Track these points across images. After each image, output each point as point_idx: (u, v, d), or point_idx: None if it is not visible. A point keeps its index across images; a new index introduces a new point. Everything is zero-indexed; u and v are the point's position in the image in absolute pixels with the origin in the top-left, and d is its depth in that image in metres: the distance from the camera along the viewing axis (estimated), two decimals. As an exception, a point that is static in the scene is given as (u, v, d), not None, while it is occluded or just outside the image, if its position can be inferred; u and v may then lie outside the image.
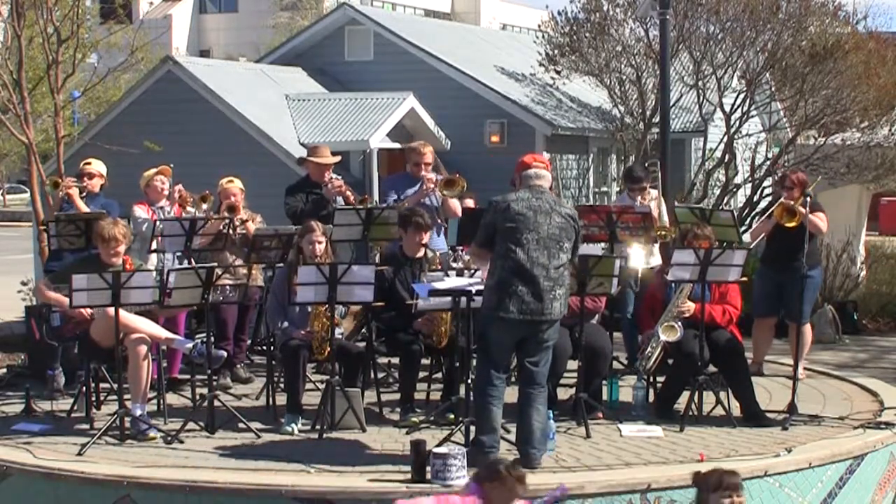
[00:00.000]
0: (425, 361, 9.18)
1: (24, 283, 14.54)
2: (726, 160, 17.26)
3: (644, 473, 7.45)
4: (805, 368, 10.20)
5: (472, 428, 7.74)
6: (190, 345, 8.68)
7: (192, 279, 8.35)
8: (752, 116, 18.27)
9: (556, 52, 19.03)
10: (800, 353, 9.54)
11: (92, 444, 7.94)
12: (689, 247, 8.93)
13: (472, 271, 8.72)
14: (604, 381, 9.12)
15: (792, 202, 9.67)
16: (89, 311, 8.50)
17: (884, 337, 15.26)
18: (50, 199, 10.34)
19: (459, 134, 18.35)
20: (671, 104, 14.03)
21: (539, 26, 20.44)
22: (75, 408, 9.01)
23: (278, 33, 46.75)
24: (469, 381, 8.18)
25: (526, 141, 18.28)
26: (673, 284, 8.96)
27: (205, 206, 10.20)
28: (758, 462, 7.72)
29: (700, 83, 17.53)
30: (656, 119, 15.04)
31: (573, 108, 20.07)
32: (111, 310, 8.12)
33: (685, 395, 8.83)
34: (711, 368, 8.85)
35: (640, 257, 9.84)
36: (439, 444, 7.57)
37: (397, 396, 8.98)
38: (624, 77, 18.19)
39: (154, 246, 9.61)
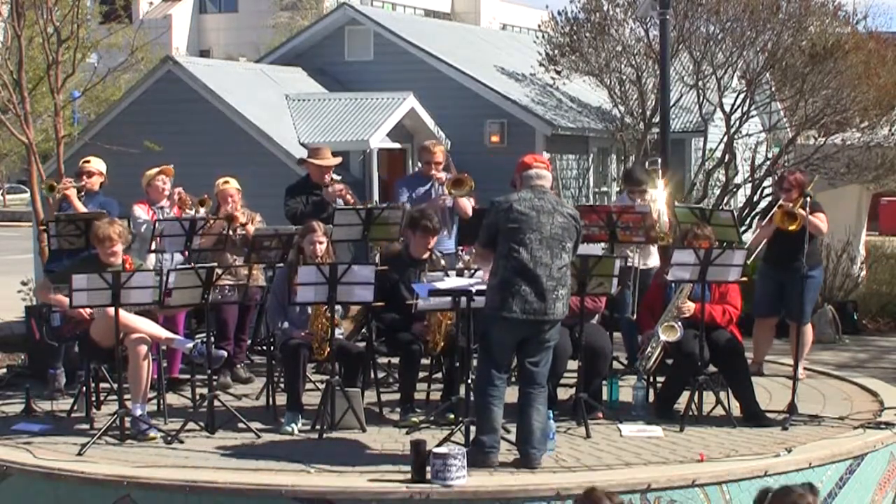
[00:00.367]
0: (425, 361, 9.18)
1: (24, 283, 14.54)
2: (726, 160, 17.26)
3: (644, 473, 7.45)
4: (805, 368, 10.20)
5: (473, 428, 7.74)
6: (190, 345, 8.68)
7: (192, 279, 8.36)
8: (752, 116, 18.27)
9: (556, 52, 19.03)
10: (800, 353, 9.54)
11: (92, 444, 7.94)
12: (689, 247, 8.93)
13: (472, 271, 8.73)
14: (604, 381, 9.12)
15: (790, 205, 9.66)
16: (89, 311, 8.51)
17: (884, 337, 15.26)
18: (50, 200, 10.32)
19: (459, 134, 18.36)
20: (671, 104, 14.04)
21: (539, 26, 20.44)
22: (75, 408, 9.01)
23: (278, 33, 46.75)
24: (469, 381, 8.18)
25: (526, 141, 18.28)
26: (673, 284, 8.96)
27: (203, 210, 10.18)
28: (758, 462, 7.71)
29: (700, 83, 17.54)
30: (656, 119, 15.05)
31: (573, 108, 20.07)
32: (111, 310, 8.13)
33: (685, 395, 8.83)
34: (711, 368, 8.85)
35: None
36: (439, 444, 7.57)
37: (397, 396, 8.98)
38: (624, 77, 18.20)
39: (153, 246, 9.62)
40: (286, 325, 8.85)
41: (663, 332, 8.78)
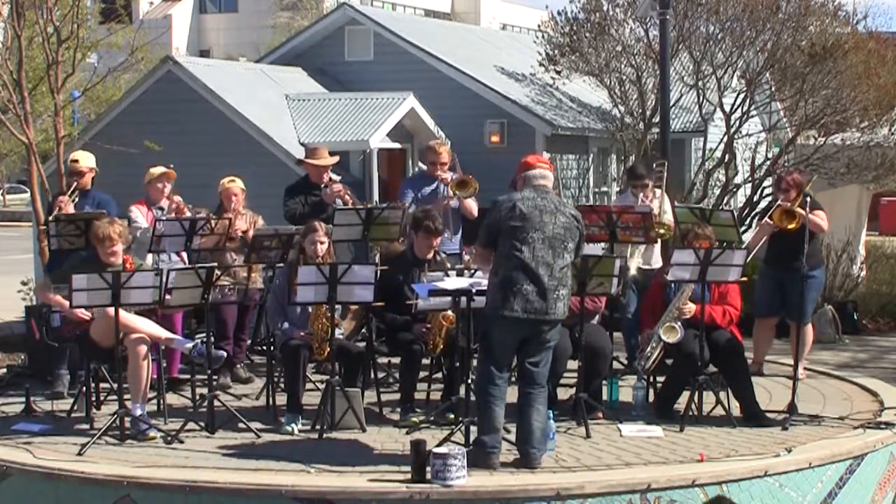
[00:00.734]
0: (425, 361, 9.18)
1: (24, 283, 14.54)
2: (726, 160, 17.26)
3: (644, 473, 7.45)
4: (805, 368, 10.20)
5: (473, 428, 7.74)
6: (190, 345, 8.68)
7: (191, 279, 8.36)
8: (752, 116, 18.26)
9: (556, 52, 19.03)
10: (800, 353, 9.54)
11: (92, 444, 7.94)
12: (689, 247, 8.93)
13: (472, 271, 8.73)
14: (604, 381, 9.12)
15: (789, 204, 9.67)
16: (88, 313, 8.50)
17: (884, 337, 15.26)
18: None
19: (459, 134, 18.34)
20: (671, 104, 14.04)
21: (539, 26, 20.43)
22: (75, 408, 9.02)
23: (278, 33, 46.75)
24: (469, 381, 8.18)
25: (526, 141, 18.27)
26: (673, 284, 8.96)
27: (203, 211, 10.17)
28: (758, 462, 7.72)
29: (700, 83, 17.53)
30: (656, 119, 15.05)
31: (573, 108, 20.07)
32: (111, 310, 8.12)
33: (685, 395, 8.83)
34: (711, 368, 8.85)
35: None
36: (439, 444, 7.57)
37: (397, 396, 8.98)
38: (624, 77, 18.19)
39: (153, 247, 9.62)
40: (286, 325, 8.85)
41: (664, 332, 8.78)
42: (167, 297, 8.34)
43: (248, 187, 10.45)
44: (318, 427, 8.33)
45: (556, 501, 7.13)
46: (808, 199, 9.37)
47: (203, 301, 8.43)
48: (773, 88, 18.21)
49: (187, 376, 9.77)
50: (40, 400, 9.46)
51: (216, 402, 8.54)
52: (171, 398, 9.36)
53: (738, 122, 17.43)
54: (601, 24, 18.35)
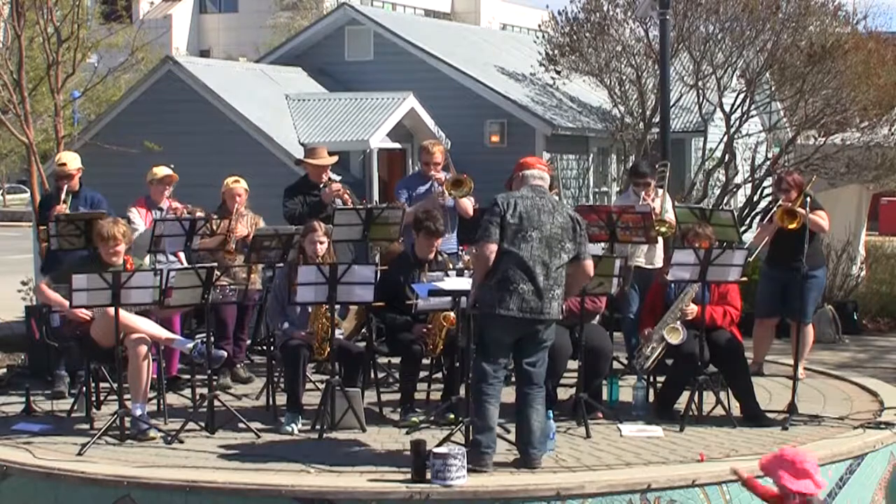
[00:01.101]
0: (425, 361, 9.19)
1: (24, 283, 14.54)
2: (726, 160, 17.25)
3: (644, 473, 7.45)
4: (805, 368, 10.20)
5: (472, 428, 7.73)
6: (190, 345, 8.68)
7: (191, 279, 8.36)
8: (752, 116, 18.25)
9: (556, 52, 19.01)
10: (801, 352, 9.54)
11: (92, 444, 7.94)
12: (689, 246, 8.93)
13: (472, 271, 8.72)
14: (604, 381, 9.12)
15: (790, 204, 9.67)
16: (88, 313, 8.51)
17: (884, 337, 15.26)
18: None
19: (459, 134, 18.32)
20: (671, 104, 14.03)
21: (539, 26, 20.41)
22: (75, 408, 9.02)
23: (278, 33, 46.75)
24: (469, 380, 8.18)
25: (526, 141, 18.25)
26: (673, 285, 8.96)
27: (200, 213, 10.18)
28: (758, 462, 7.70)
29: (700, 83, 17.52)
30: (656, 119, 15.04)
31: (573, 108, 20.05)
32: (111, 309, 8.13)
33: (685, 395, 8.84)
34: (711, 368, 8.85)
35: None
36: (439, 444, 7.57)
37: (397, 396, 8.98)
38: (624, 77, 18.18)
39: (152, 247, 9.63)
40: (286, 325, 8.85)
41: (667, 333, 8.78)
42: (167, 298, 8.34)
43: (248, 187, 10.45)
44: (318, 427, 8.33)
45: (556, 501, 7.13)
46: (809, 199, 9.37)
47: (203, 301, 8.43)
48: (773, 88, 18.20)
49: (187, 376, 9.78)
50: (40, 400, 9.46)
51: (216, 402, 8.54)
52: (171, 398, 9.36)
53: (738, 122, 17.42)
54: (601, 24, 18.33)
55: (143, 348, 8.41)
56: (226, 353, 9.27)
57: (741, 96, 17.43)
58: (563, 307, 8.78)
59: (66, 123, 16.04)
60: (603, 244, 9.87)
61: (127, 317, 8.35)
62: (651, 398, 9.23)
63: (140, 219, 10.17)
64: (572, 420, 8.58)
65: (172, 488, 7.26)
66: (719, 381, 8.94)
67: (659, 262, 10.38)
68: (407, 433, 8.29)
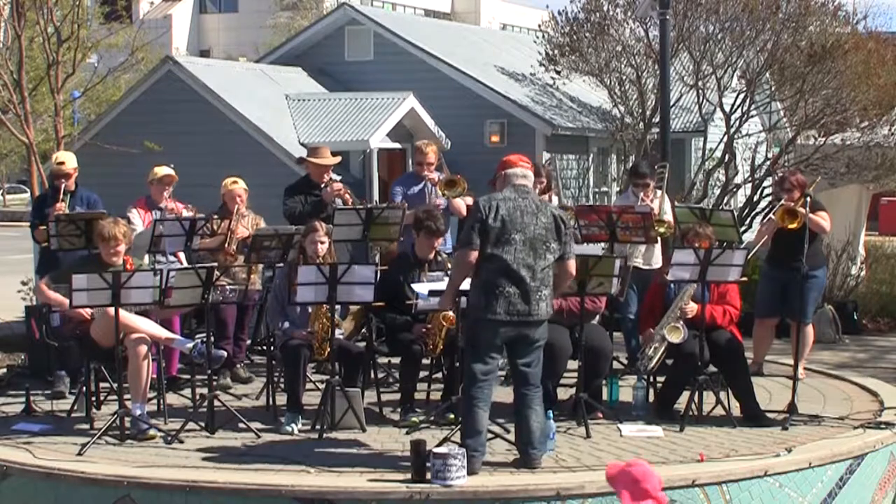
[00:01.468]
0: (425, 361, 9.18)
1: (24, 283, 14.53)
2: (726, 160, 17.25)
3: (644, 473, 7.44)
4: (805, 368, 10.20)
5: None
6: (190, 345, 8.68)
7: (191, 279, 8.36)
8: (752, 116, 18.26)
9: (556, 52, 19.02)
10: (801, 352, 9.54)
11: (92, 444, 7.94)
12: (689, 246, 8.93)
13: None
14: (604, 381, 9.12)
15: (792, 203, 9.67)
16: (88, 311, 8.51)
17: (884, 337, 15.26)
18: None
19: (459, 134, 18.34)
20: (671, 104, 14.03)
21: (539, 26, 20.42)
22: (75, 408, 9.02)
23: (278, 33, 46.75)
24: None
25: (526, 141, 18.26)
26: (673, 285, 8.96)
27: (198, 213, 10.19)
28: (758, 462, 7.72)
29: (700, 83, 17.52)
30: (656, 119, 15.04)
31: (573, 108, 20.06)
32: (111, 309, 8.13)
33: (685, 395, 8.83)
34: (711, 368, 8.85)
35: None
36: (439, 444, 7.57)
37: (397, 396, 8.98)
38: (624, 77, 18.18)
39: (152, 247, 9.64)
40: (286, 325, 8.85)
41: (668, 333, 8.78)
42: (167, 298, 8.34)
43: (247, 187, 10.45)
44: (318, 427, 8.33)
45: (556, 501, 7.13)
46: (809, 199, 9.37)
47: (203, 301, 8.44)
48: (773, 88, 18.20)
49: (187, 376, 9.78)
50: (40, 400, 9.46)
51: (216, 402, 8.54)
52: (171, 398, 9.36)
53: (738, 122, 17.42)
54: (601, 24, 18.34)
55: (143, 348, 8.41)
56: (226, 353, 9.26)
57: (741, 96, 17.43)
58: (564, 306, 8.84)
59: (66, 123, 16.05)
60: (603, 244, 9.86)
61: (127, 317, 8.35)
62: (651, 398, 9.23)
63: (139, 219, 10.17)
64: (572, 420, 8.57)
65: (172, 488, 7.26)
66: (719, 381, 8.94)
67: (657, 263, 10.38)
68: (407, 433, 8.29)
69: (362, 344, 9.68)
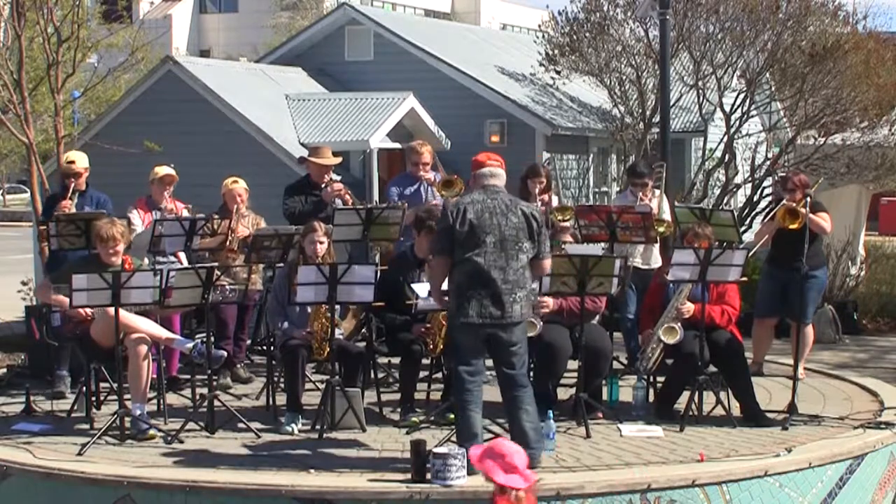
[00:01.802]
0: (425, 361, 9.18)
1: (24, 283, 14.54)
2: (726, 160, 17.25)
3: (644, 473, 7.45)
4: (805, 368, 10.20)
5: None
6: (190, 345, 8.68)
7: (191, 279, 8.36)
8: (752, 116, 18.25)
9: (556, 52, 19.01)
10: (801, 353, 9.54)
11: (92, 444, 7.94)
12: (689, 246, 8.93)
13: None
14: (604, 381, 9.12)
15: (794, 204, 9.67)
16: (89, 311, 8.51)
17: (884, 337, 15.26)
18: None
19: (459, 134, 18.33)
20: (671, 104, 14.03)
21: (539, 26, 20.43)
22: (75, 408, 9.02)
23: (278, 33, 46.75)
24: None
25: (526, 141, 18.27)
26: (672, 285, 8.96)
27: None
28: (758, 462, 7.72)
29: (700, 83, 17.53)
30: (656, 119, 15.03)
31: (573, 108, 20.05)
32: (111, 309, 8.13)
33: (685, 395, 8.83)
34: (711, 368, 8.85)
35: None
36: (439, 444, 7.57)
37: (397, 396, 8.98)
38: (624, 77, 18.18)
39: (151, 247, 9.64)
40: (286, 325, 8.85)
41: (664, 333, 8.78)
42: (167, 298, 8.34)
43: (248, 187, 10.45)
44: (318, 427, 8.33)
45: (556, 501, 7.13)
46: (809, 199, 9.37)
47: (203, 301, 8.43)
48: (773, 88, 18.20)
49: (187, 376, 9.77)
50: (40, 400, 9.46)
51: (216, 402, 8.54)
52: (171, 398, 9.36)
53: (738, 122, 17.42)
54: (601, 24, 18.34)
55: (143, 348, 8.41)
56: (226, 353, 9.27)
57: (741, 96, 17.43)
58: (564, 306, 8.84)
59: (66, 123, 16.03)
60: (603, 244, 9.87)
61: (127, 317, 8.36)
62: (651, 398, 9.23)
63: (140, 220, 10.17)
64: (572, 420, 8.57)
65: (172, 488, 7.26)
66: (719, 381, 8.94)
67: (656, 263, 10.37)
68: (407, 433, 8.29)
69: (362, 344, 9.68)
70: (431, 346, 8.86)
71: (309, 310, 8.77)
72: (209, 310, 8.64)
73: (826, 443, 8.21)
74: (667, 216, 10.28)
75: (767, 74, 17.57)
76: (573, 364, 8.78)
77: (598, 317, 9.34)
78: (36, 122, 16.94)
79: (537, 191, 10.16)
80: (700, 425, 8.63)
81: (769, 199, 16.30)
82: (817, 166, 16.37)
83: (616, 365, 9.71)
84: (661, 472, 7.50)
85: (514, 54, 22.32)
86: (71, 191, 10.03)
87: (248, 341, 10.85)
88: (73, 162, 10.24)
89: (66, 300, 8.28)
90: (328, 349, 8.57)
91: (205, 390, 8.80)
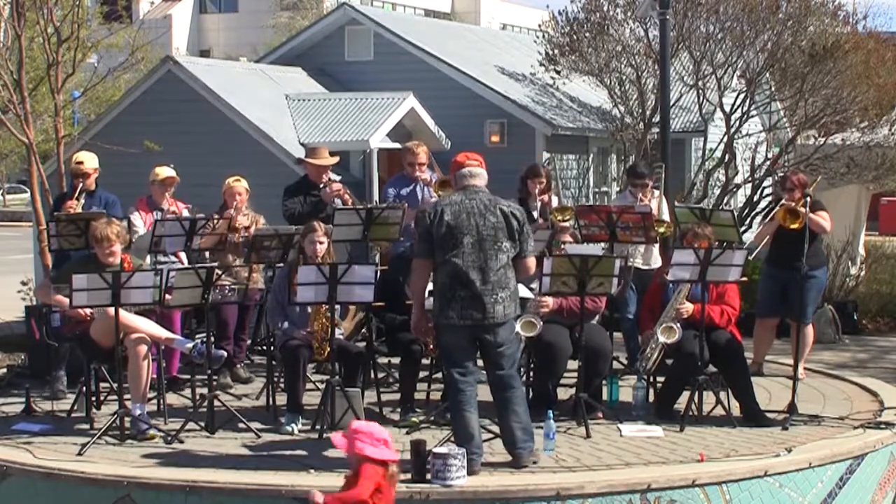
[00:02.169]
0: (425, 361, 9.18)
1: (24, 283, 14.54)
2: (726, 160, 17.26)
3: (644, 473, 7.45)
4: (805, 368, 10.20)
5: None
6: (190, 345, 8.69)
7: (192, 279, 8.36)
8: (752, 116, 18.26)
9: (556, 52, 19.01)
10: (801, 352, 9.54)
11: (92, 444, 7.95)
12: (689, 246, 8.93)
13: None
14: (604, 381, 9.12)
15: (793, 203, 9.68)
16: (89, 311, 8.51)
17: (884, 337, 15.26)
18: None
19: (459, 134, 18.32)
20: (671, 104, 14.03)
21: (539, 26, 20.42)
22: (75, 408, 9.02)
23: (278, 33, 46.73)
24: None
25: (526, 141, 18.26)
26: (672, 285, 8.96)
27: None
28: (758, 462, 7.72)
29: (700, 83, 17.53)
30: (656, 119, 15.03)
31: (573, 108, 20.05)
32: (111, 309, 8.13)
33: (685, 395, 8.83)
34: (711, 368, 8.85)
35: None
36: (439, 444, 7.57)
37: (397, 396, 8.98)
38: (624, 77, 18.18)
39: (152, 248, 9.64)
40: (286, 324, 8.85)
41: (662, 333, 8.78)
42: (167, 297, 8.34)
43: (249, 187, 10.45)
44: (318, 427, 8.33)
45: (556, 501, 7.13)
46: (808, 199, 9.37)
47: (203, 301, 8.44)
48: (773, 88, 18.20)
49: (187, 376, 9.78)
50: (40, 400, 9.47)
51: (216, 402, 8.54)
52: (171, 398, 9.36)
53: (738, 122, 17.43)
54: (601, 24, 18.34)
55: (143, 348, 8.41)
56: (226, 353, 9.27)
57: (741, 96, 17.44)
58: (564, 306, 8.84)
59: (66, 123, 16.04)
60: (603, 244, 9.87)
61: (127, 317, 8.36)
62: (651, 398, 9.23)
63: (141, 221, 10.18)
64: (572, 420, 8.57)
65: (172, 488, 7.26)
66: (719, 381, 8.94)
67: (656, 263, 10.38)
68: (407, 433, 8.29)
69: (362, 344, 9.68)
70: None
71: (309, 310, 8.77)
72: (209, 310, 8.64)
73: (826, 443, 8.21)
74: (666, 216, 10.29)
75: (767, 74, 17.58)
76: (573, 364, 8.78)
77: (598, 317, 9.34)
78: (36, 122, 16.92)
79: (537, 191, 10.18)
80: (700, 425, 8.63)
81: (769, 199, 16.33)
82: (817, 166, 16.37)
83: (616, 365, 9.71)
84: (661, 472, 7.51)
85: (514, 54, 22.32)
86: (78, 191, 10.04)
87: (249, 341, 10.86)
88: (81, 162, 10.27)
89: (67, 300, 8.28)
90: (328, 349, 8.57)
91: (205, 390, 8.80)
